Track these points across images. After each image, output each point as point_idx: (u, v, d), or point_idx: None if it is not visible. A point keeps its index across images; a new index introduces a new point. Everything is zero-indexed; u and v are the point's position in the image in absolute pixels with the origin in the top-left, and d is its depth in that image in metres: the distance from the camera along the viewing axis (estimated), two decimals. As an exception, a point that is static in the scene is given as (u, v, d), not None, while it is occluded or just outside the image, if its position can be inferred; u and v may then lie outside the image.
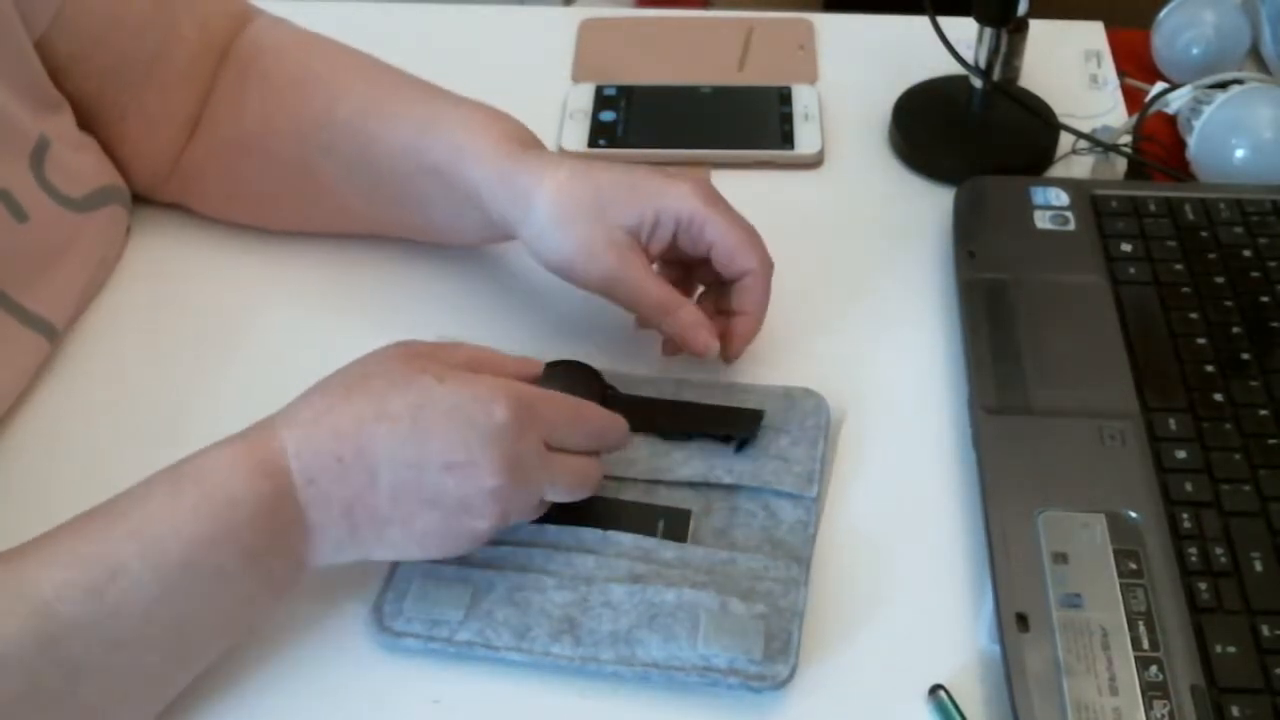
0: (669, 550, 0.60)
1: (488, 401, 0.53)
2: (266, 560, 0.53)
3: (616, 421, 0.60)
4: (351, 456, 0.52)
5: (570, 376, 0.63)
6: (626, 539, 0.60)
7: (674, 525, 0.62)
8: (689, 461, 0.64)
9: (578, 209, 0.64)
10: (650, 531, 0.61)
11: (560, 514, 0.60)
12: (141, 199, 0.79)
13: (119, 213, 0.76)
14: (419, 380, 0.53)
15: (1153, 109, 0.85)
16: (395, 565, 0.60)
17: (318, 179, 0.73)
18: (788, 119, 0.86)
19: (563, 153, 0.84)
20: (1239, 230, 0.74)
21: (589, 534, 0.60)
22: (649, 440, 0.65)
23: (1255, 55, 0.90)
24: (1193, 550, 0.58)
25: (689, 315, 0.66)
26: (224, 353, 0.72)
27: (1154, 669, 0.54)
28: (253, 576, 0.53)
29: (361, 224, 0.76)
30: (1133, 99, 0.88)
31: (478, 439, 0.53)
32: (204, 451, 0.53)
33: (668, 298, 0.65)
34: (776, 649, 0.56)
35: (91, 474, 0.61)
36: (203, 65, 0.74)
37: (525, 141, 0.68)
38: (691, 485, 0.63)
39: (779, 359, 0.70)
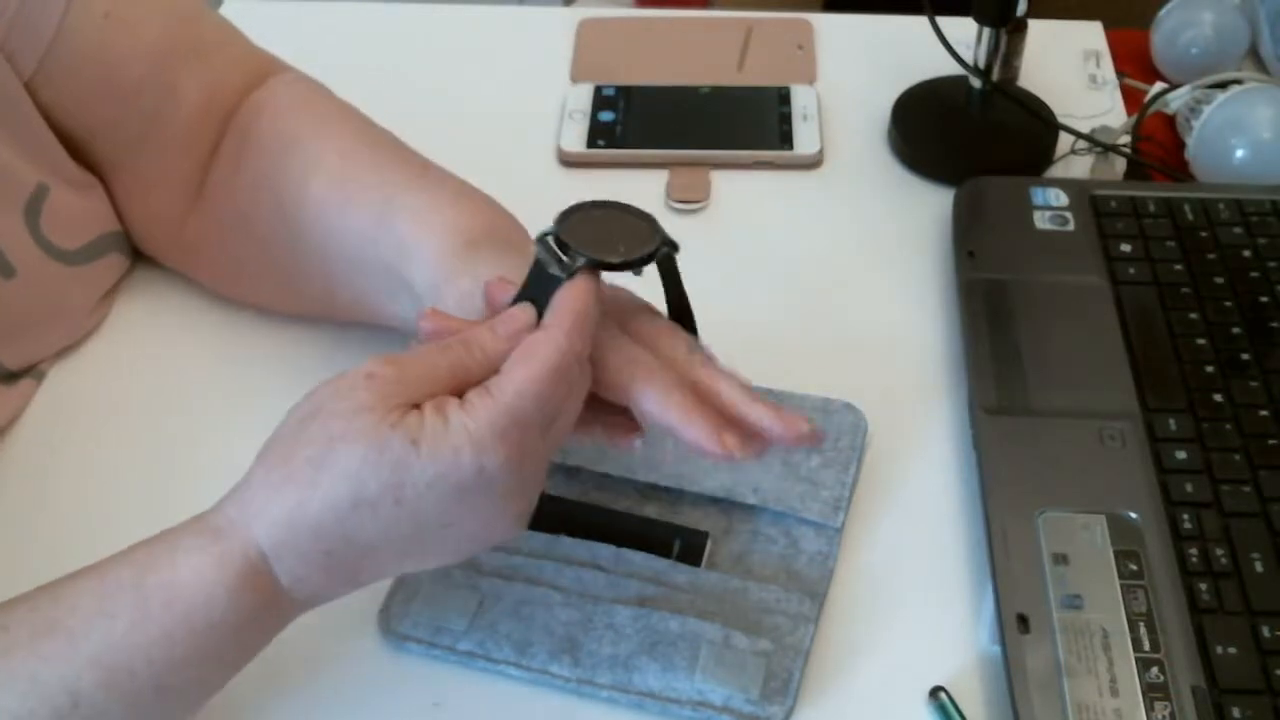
0: (681, 574, 0.59)
1: (474, 456, 0.48)
2: (252, 649, 0.51)
3: (576, 354, 0.51)
4: (340, 546, 0.48)
5: (606, 226, 0.53)
6: (639, 558, 0.59)
7: (690, 547, 0.61)
8: (715, 472, 0.63)
9: None
10: (665, 552, 0.60)
11: (577, 527, 0.60)
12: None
13: (117, 261, 0.73)
14: (390, 449, 0.47)
15: (1152, 109, 0.85)
16: None
17: (293, 263, 0.68)
18: (787, 119, 0.86)
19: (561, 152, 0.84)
20: (1238, 230, 0.74)
21: (603, 549, 0.60)
22: (676, 442, 0.64)
23: (1254, 55, 0.90)
24: (1193, 551, 0.58)
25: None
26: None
27: (1155, 670, 0.54)
28: (236, 665, 0.51)
29: (337, 312, 0.70)
30: (1132, 99, 0.87)
31: (475, 495, 0.49)
32: (168, 558, 0.48)
33: (631, 352, 0.54)
34: (775, 689, 0.55)
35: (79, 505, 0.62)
36: (205, 127, 0.70)
37: (474, 236, 0.60)
38: (715, 501, 0.62)
39: (777, 359, 0.70)
